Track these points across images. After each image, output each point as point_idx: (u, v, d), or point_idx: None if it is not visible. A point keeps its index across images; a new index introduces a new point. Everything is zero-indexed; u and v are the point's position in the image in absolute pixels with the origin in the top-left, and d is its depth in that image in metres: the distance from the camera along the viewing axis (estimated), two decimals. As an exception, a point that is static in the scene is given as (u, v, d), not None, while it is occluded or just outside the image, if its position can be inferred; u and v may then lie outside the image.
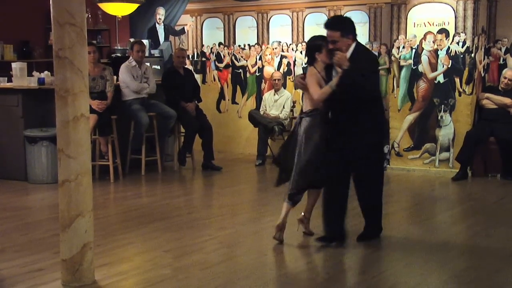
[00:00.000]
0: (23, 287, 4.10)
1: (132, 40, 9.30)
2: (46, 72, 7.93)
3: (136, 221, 5.81)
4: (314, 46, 5.10)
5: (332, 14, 9.16)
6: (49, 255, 4.67)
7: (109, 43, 10.27)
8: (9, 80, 7.91)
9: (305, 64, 9.39)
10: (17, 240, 5.19)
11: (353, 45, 4.93)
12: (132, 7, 8.71)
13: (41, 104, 7.61)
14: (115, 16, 8.87)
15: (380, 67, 8.83)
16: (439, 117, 8.15)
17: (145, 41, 9.89)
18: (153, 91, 8.23)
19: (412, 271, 4.47)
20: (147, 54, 9.79)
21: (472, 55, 7.97)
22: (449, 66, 8.07)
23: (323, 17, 9.23)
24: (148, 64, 8.66)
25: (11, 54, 8.97)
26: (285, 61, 9.58)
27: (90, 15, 9.53)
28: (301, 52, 9.43)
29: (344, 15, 5.07)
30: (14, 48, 9.05)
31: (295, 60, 9.49)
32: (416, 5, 8.25)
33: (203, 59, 10.28)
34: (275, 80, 9.17)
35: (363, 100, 4.82)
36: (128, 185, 7.59)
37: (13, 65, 7.82)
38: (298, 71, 9.48)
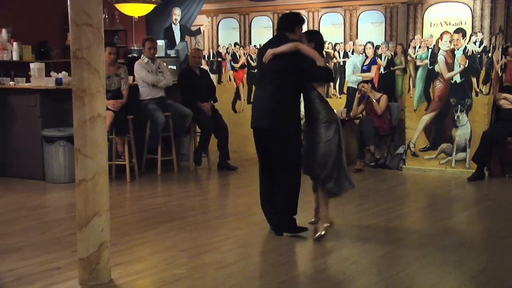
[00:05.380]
0: (40, 285, 4.14)
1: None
2: (63, 72, 7.99)
3: (152, 221, 5.84)
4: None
5: (348, 14, 9.15)
6: (66, 254, 4.71)
7: (125, 44, 10.33)
8: (28, 81, 7.98)
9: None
10: (35, 239, 5.24)
11: None
12: (148, 8, 8.76)
13: (58, 104, 7.68)
14: (132, 16, 8.92)
15: (396, 67, 8.83)
16: (455, 117, 8.10)
17: (161, 41, 9.96)
18: (170, 83, 8.27)
19: (429, 271, 4.45)
20: (163, 54, 9.85)
21: (489, 54, 7.91)
22: (466, 66, 8.02)
23: (339, 17, 9.23)
24: (158, 59, 8.68)
25: (29, 54, 9.04)
26: (300, 61, 9.56)
27: (107, 16, 9.59)
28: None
29: (286, 12, 5.82)
30: (33, 48, 9.13)
31: (310, 60, 9.46)
32: (433, 4, 8.21)
33: (219, 59, 10.31)
34: (290, 80, 9.14)
35: None
36: (144, 185, 7.63)
37: (32, 65, 7.90)
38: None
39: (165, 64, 8.83)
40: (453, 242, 5.15)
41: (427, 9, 8.26)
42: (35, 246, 5.01)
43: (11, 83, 8.03)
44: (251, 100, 5.64)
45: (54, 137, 7.52)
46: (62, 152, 7.51)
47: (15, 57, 8.85)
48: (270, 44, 5.39)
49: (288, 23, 5.36)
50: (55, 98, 7.71)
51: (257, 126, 5.35)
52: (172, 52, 10.16)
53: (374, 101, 8.51)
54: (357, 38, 9.13)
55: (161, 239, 5.23)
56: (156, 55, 8.38)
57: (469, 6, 7.99)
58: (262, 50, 5.41)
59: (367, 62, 9.06)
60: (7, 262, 4.59)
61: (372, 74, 9.00)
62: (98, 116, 4.04)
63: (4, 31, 8.84)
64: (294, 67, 5.17)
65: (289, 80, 5.21)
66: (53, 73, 8.02)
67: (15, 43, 8.83)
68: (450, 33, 8.09)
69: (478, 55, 7.95)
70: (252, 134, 5.49)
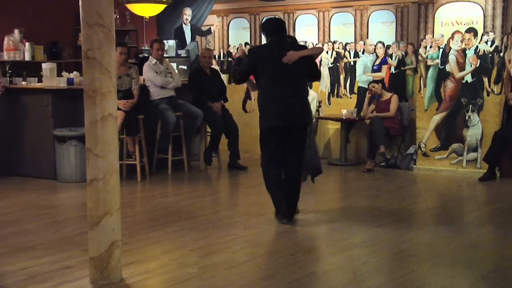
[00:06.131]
0: (52, 284, 4.17)
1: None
2: (75, 72, 8.04)
3: (163, 220, 5.86)
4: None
5: (358, 14, 9.14)
6: (77, 253, 4.74)
7: (136, 44, 10.37)
8: (40, 81, 8.04)
9: (331, 63, 9.39)
10: (46, 238, 5.27)
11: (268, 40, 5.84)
12: (159, 8, 8.78)
13: (70, 104, 7.72)
14: (143, 16, 8.95)
15: (407, 67, 8.81)
16: (466, 117, 8.07)
17: (172, 41, 9.99)
18: (178, 84, 8.30)
19: (439, 272, 4.43)
20: (173, 54, 9.88)
21: (501, 54, 7.88)
22: (477, 65, 7.99)
23: (349, 17, 9.22)
24: (166, 60, 8.72)
25: (41, 55, 9.10)
26: (311, 61, 9.55)
27: (118, 16, 9.64)
28: (327, 52, 9.41)
29: (272, 18, 6.34)
30: (45, 49, 9.18)
31: (321, 60, 9.47)
32: (444, 4, 8.19)
33: (229, 59, 10.32)
34: (301, 80, 9.15)
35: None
36: (154, 184, 7.66)
37: (43, 65, 7.94)
38: (324, 71, 9.47)
39: (175, 64, 8.86)
40: (464, 243, 5.13)
41: (438, 8, 8.23)
42: (47, 245, 5.05)
43: (23, 83, 8.09)
44: (264, 99, 5.68)
45: (65, 136, 7.56)
46: (74, 152, 7.55)
47: (27, 57, 8.91)
48: (283, 44, 5.73)
49: (284, 27, 5.97)
50: (67, 98, 7.75)
51: (287, 123, 5.63)
52: (182, 52, 10.19)
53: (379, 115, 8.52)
54: (367, 38, 9.11)
55: (171, 239, 5.25)
56: (165, 56, 8.40)
57: (480, 6, 7.96)
58: (273, 50, 5.69)
59: (377, 62, 9.05)
60: (20, 260, 4.63)
61: (383, 74, 8.99)
62: (109, 115, 4.06)
63: (16, 31, 8.90)
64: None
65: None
66: (64, 73, 8.07)
67: (27, 43, 8.89)
68: (462, 33, 8.05)
69: (490, 55, 7.91)
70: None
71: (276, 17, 6.69)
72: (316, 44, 9.48)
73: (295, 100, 5.64)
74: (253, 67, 5.76)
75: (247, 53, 6.20)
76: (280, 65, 5.59)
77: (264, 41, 6.14)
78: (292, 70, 5.61)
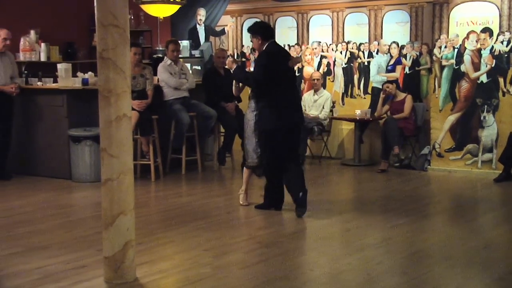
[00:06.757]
0: (67, 283, 4.19)
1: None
2: (89, 72, 8.08)
3: (176, 220, 5.88)
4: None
5: (373, 14, 9.11)
6: (92, 252, 4.76)
7: (150, 44, 10.40)
8: (55, 81, 8.09)
9: (345, 64, 9.37)
10: (61, 237, 5.31)
11: (266, 44, 6.01)
12: (173, 8, 8.80)
13: (84, 104, 7.77)
14: (157, 17, 8.98)
15: (421, 67, 8.77)
16: (481, 118, 8.02)
17: (186, 42, 10.01)
18: (192, 86, 8.32)
19: (454, 273, 4.41)
20: (187, 54, 9.89)
21: (517, 54, 7.82)
22: (492, 65, 7.93)
23: (363, 17, 9.19)
24: (181, 60, 8.73)
25: (57, 55, 9.16)
26: (324, 61, 9.55)
27: (132, 17, 9.68)
28: (341, 52, 9.39)
29: (264, 21, 6.91)
30: (60, 49, 9.24)
31: (335, 60, 9.45)
32: (459, 4, 8.13)
33: (243, 59, 10.33)
34: (314, 80, 9.15)
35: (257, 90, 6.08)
36: (168, 184, 7.68)
37: (59, 66, 8.00)
38: (338, 71, 9.45)
39: (189, 64, 8.87)
40: (478, 244, 5.10)
41: (453, 8, 8.18)
42: (62, 245, 5.08)
43: (39, 83, 8.15)
44: (277, 99, 5.96)
45: (80, 136, 7.61)
46: (88, 152, 7.59)
47: (43, 58, 8.97)
48: (282, 50, 6.34)
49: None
50: (82, 98, 7.80)
51: (298, 123, 6.15)
52: (196, 53, 10.20)
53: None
54: (381, 38, 9.08)
55: (185, 239, 5.27)
56: (180, 56, 8.42)
57: (496, 5, 7.90)
58: (281, 53, 6.14)
59: (391, 62, 9.01)
60: (35, 260, 4.66)
61: (397, 74, 8.95)
62: (123, 116, 4.08)
63: (32, 32, 8.96)
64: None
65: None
66: (79, 74, 8.12)
67: (43, 44, 8.95)
68: (477, 33, 8.00)
69: (506, 55, 7.85)
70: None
71: (261, 21, 7.32)
72: (329, 45, 9.48)
73: (297, 101, 6.29)
74: (272, 69, 5.92)
75: (262, 55, 6.14)
76: (287, 69, 6.08)
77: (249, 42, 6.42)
78: (293, 73, 6.29)
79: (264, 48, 6.02)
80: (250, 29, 6.23)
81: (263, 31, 6.09)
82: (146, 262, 4.55)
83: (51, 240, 5.20)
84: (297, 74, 9.64)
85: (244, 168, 6.44)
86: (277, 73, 5.92)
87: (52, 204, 6.64)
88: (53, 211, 6.32)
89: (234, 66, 6.41)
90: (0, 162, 7.88)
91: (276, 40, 6.38)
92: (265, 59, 6.00)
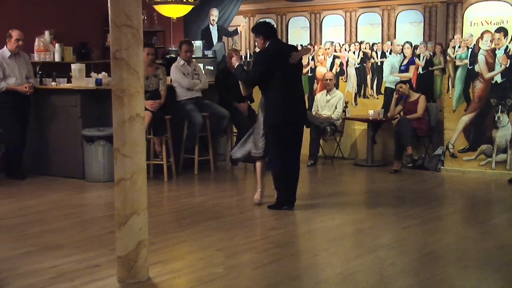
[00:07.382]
0: (80, 282, 4.22)
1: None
2: (103, 73, 8.12)
3: (189, 220, 5.90)
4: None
5: (386, 14, 9.08)
6: (105, 252, 4.79)
7: (163, 44, 10.44)
8: (69, 81, 8.14)
9: (358, 64, 9.35)
10: (75, 237, 5.34)
11: (268, 43, 6.15)
12: (186, 9, 8.83)
13: (98, 104, 7.81)
14: (170, 17, 9.01)
15: (434, 67, 8.72)
16: (496, 118, 7.96)
17: (199, 42, 10.03)
18: (205, 86, 8.35)
19: (467, 274, 4.39)
20: (200, 55, 9.92)
21: (532, 54, 7.76)
22: (507, 65, 7.87)
23: (376, 17, 9.16)
24: (194, 61, 8.75)
25: (71, 55, 9.22)
26: (337, 61, 9.53)
27: (145, 17, 9.72)
28: (354, 52, 9.37)
29: (266, 21, 6.83)
30: (74, 50, 9.30)
31: (347, 60, 9.43)
32: (473, 3, 8.08)
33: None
34: (327, 80, 9.14)
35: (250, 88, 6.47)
36: (181, 184, 7.70)
37: (73, 66, 8.05)
38: (351, 71, 9.43)
39: (201, 64, 8.88)
40: (492, 245, 5.07)
41: (467, 8, 8.13)
42: (75, 244, 5.11)
43: (53, 83, 8.20)
44: (277, 96, 6.09)
45: (94, 136, 7.64)
46: (102, 152, 7.63)
47: (57, 58, 9.03)
48: (283, 46, 6.42)
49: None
50: (95, 98, 7.84)
51: (299, 120, 6.18)
52: (209, 53, 10.23)
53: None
54: (395, 38, 9.04)
55: (198, 238, 5.28)
56: (193, 57, 8.44)
57: (511, 5, 7.84)
58: (280, 51, 6.12)
59: (405, 62, 8.97)
60: (49, 259, 4.69)
61: (410, 74, 8.91)
62: (136, 116, 4.09)
63: (47, 33, 9.03)
64: (302, 68, 6.61)
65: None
66: (93, 74, 8.16)
67: (57, 45, 9.01)
68: (491, 32, 7.95)
69: (520, 55, 7.80)
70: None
71: (266, 20, 7.40)
72: (342, 45, 9.46)
73: (301, 97, 6.29)
74: (270, 68, 6.01)
75: (258, 54, 6.43)
76: (287, 65, 6.03)
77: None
78: (295, 69, 6.14)
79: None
80: (253, 30, 6.46)
81: (264, 31, 6.22)
82: (159, 262, 4.57)
83: (64, 240, 5.23)
84: (308, 69, 9.67)
85: (256, 163, 6.54)
86: (274, 71, 6.01)
87: (65, 203, 6.68)
88: (66, 210, 6.36)
89: (237, 64, 6.45)
90: (15, 161, 7.94)
91: (288, 39, 6.45)
92: (260, 58, 6.23)
